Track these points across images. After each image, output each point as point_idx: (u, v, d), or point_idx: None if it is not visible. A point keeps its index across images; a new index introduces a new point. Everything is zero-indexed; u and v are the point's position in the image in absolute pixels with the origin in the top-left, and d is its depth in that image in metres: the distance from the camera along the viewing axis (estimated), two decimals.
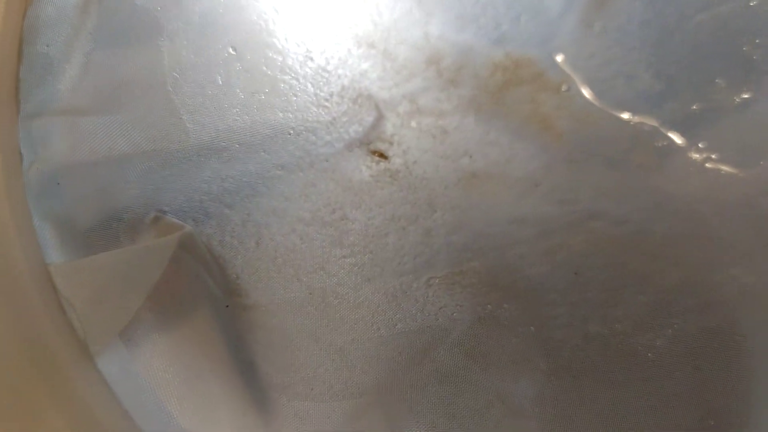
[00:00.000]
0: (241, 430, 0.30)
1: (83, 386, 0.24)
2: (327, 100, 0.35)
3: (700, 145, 0.34)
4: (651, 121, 0.34)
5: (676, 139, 0.34)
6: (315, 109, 0.34)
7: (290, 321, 0.32)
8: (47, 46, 0.30)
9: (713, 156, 0.33)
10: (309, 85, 0.34)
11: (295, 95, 0.34)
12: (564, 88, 0.35)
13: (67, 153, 0.30)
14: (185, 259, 0.30)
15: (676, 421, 0.31)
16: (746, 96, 0.33)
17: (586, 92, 0.35)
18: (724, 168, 0.33)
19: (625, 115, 0.34)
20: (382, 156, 0.35)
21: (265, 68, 0.34)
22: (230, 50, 0.33)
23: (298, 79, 0.34)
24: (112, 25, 0.32)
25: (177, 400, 0.29)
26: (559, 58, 0.35)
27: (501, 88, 0.36)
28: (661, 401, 0.32)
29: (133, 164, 0.31)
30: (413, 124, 0.35)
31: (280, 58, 0.34)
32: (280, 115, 0.33)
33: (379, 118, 0.35)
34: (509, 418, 0.32)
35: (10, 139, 0.25)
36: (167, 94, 0.32)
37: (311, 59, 0.35)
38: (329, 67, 0.35)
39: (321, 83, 0.34)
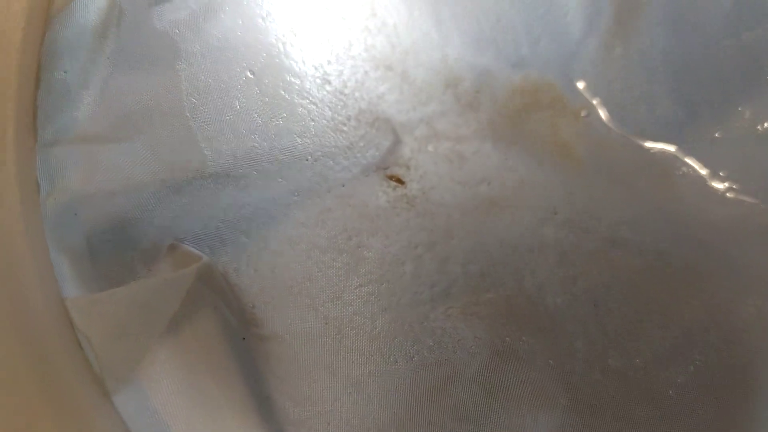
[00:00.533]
0: None
1: (99, 424, 0.24)
2: (344, 124, 0.34)
3: (721, 173, 0.33)
4: (672, 149, 0.34)
5: (698, 167, 0.33)
6: (332, 134, 0.34)
7: (306, 352, 0.32)
8: (65, 72, 0.30)
9: (735, 186, 0.33)
10: (327, 109, 0.34)
11: (313, 120, 0.33)
12: (584, 113, 0.34)
13: (85, 183, 0.29)
14: (203, 292, 0.29)
15: None
16: None
17: (606, 118, 0.34)
18: (746, 198, 0.33)
19: (646, 142, 0.34)
20: (399, 181, 0.34)
21: (283, 92, 0.33)
22: (248, 74, 0.33)
23: (315, 104, 0.34)
24: (131, 48, 0.31)
25: None
26: (579, 82, 0.34)
27: (519, 112, 0.35)
28: None
29: (150, 193, 0.31)
30: (430, 148, 0.35)
31: (298, 82, 0.33)
32: (298, 140, 0.33)
33: (396, 142, 0.34)
34: None
35: (27, 168, 0.25)
36: (185, 121, 0.32)
37: (329, 82, 0.34)
38: (347, 90, 0.34)
39: (338, 107, 0.34)
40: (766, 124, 0.33)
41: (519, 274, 0.33)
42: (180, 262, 0.30)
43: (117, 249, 0.30)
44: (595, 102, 0.34)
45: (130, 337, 0.25)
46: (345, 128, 0.34)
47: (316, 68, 0.34)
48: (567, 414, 0.32)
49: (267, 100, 0.33)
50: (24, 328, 0.23)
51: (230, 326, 0.31)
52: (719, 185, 0.33)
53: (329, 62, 0.34)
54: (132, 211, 0.30)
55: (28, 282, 0.23)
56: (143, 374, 0.28)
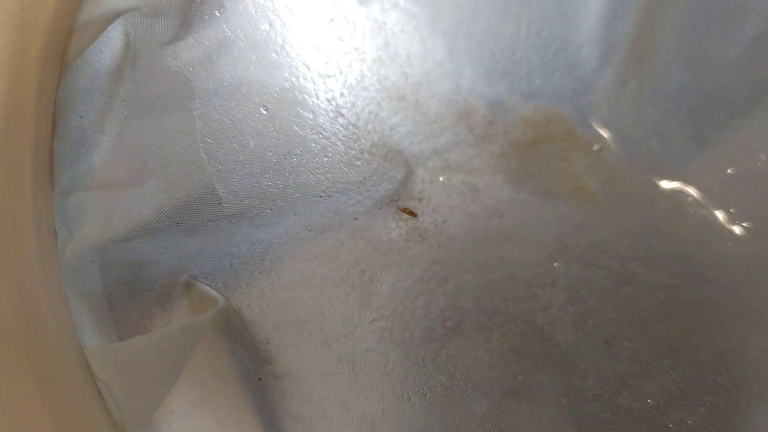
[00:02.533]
0: None
1: None
2: (357, 158, 0.34)
3: (732, 210, 0.33)
4: (684, 185, 0.34)
5: (710, 204, 0.33)
6: (346, 169, 0.34)
7: (321, 390, 0.32)
8: (80, 118, 0.30)
9: (747, 224, 0.33)
10: (340, 144, 0.34)
11: (327, 156, 0.33)
12: (596, 147, 0.34)
13: (101, 229, 0.29)
14: (220, 336, 0.30)
15: None
16: None
17: (619, 152, 0.34)
18: (757, 237, 0.33)
19: (659, 177, 0.34)
20: (412, 213, 0.34)
21: (296, 128, 0.33)
22: (262, 110, 0.33)
23: (329, 138, 0.34)
24: (145, 90, 0.31)
25: None
26: (592, 116, 0.34)
27: (531, 144, 0.35)
28: None
29: (165, 235, 0.31)
30: (442, 179, 0.35)
31: (312, 116, 0.33)
32: (312, 177, 0.33)
33: (409, 173, 0.35)
34: None
35: (45, 217, 0.25)
36: (200, 162, 0.32)
37: (342, 115, 0.34)
38: (360, 123, 0.34)
39: (351, 140, 0.34)
40: None
41: (531, 310, 0.33)
42: (196, 302, 0.30)
43: (134, 291, 0.30)
44: (607, 136, 0.34)
45: (148, 385, 0.25)
46: (358, 162, 0.34)
47: (329, 101, 0.34)
48: None
49: (281, 136, 0.33)
50: (45, 378, 0.23)
51: (246, 368, 0.31)
52: (731, 223, 0.33)
53: (342, 95, 0.34)
54: (148, 254, 0.30)
55: (48, 332, 0.23)
56: (163, 420, 0.28)
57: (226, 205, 0.32)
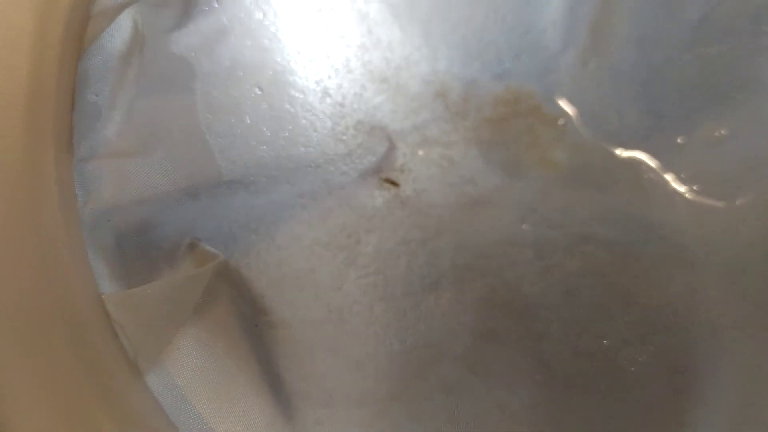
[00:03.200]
0: None
1: (134, 399, 0.28)
2: (344, 134, 0.38)
3: (683, 176, 0.37)
4: (639, 154, 0.37)
5: (663, 171, 0.37)
6: (333, 143, 0.38)
7: (311, 337, 0.36)
8: (96, 95, 0.34)
9: (695, 187, 0.37)
10: (328, 121, 0.38)
11: (316, 131, 0.37)
12: (561, 121, 0.38)
13: (115, 193, 0.33)
14: (220, 286, 0.33)
15: (654, 429, 0.35)
16: (724, 132, 0.36)
17: (581, 125, 0.38)
18: (706, 198, 0.36)
19: (617, 148, 0.37)
20: (394, 183, 0.38)
21: (288, 106, 0.37)
22: (257, 90, 0.37)
23: (317, 115, 0.37)
24: (152, 72, 0.35)
25: (216, 411, 0.33)
26: (557, 93, 0.38)
27: (502, 120, 0.39)
28: (642, 410, 0.35)
29: (171, 199, 0.35)
30: (421, 153, 0.38)
31: (302, 96, 0.37)
32: (303, 149, 0.37)
33: (391, 148, 0.38)
34: (506, 423, 0.36)
35: (66, 182, 0.29)
36: (201, 135, 0.35)
37: (329, 95, 0.38)
38: (346, 102, 0.38)
39: (338, 117, 0.38)
40: (723, 131, 0.36)
41: (501, 266, 0.37)
42: (199, 259, 0.34)
43: (143, 249, 0.34)
44: (570, 111, 0.38)
45: (158, 326, 0.29)
46: (344, 137, 0.38)
47: (317, 83, 0.38)
48: (541, 388, 0.36)
49: (274, 113, 0.37)
50: (68, 321, 0.27)
51: (245, 315, 0.35)
52: (682, 187, 0.37)
53: (329, 77, 0.38)
54: (156, 216, 0.34)
55: (70, 281, 0.27)
56: (170, 357, 0.32)
57: (225, 173, 0.35)
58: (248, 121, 0.36)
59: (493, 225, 0.38)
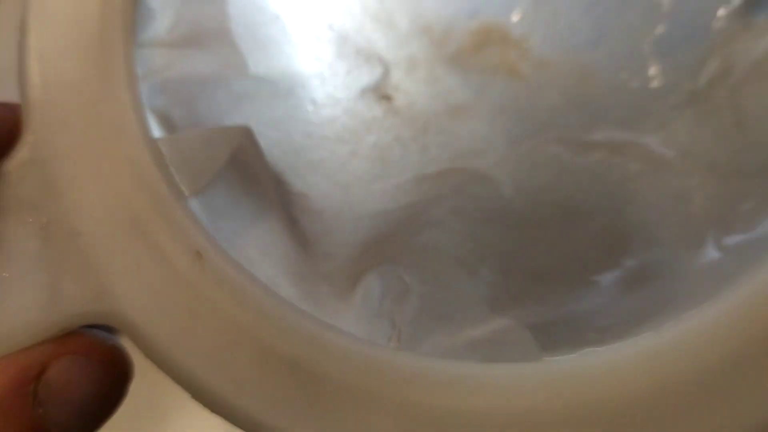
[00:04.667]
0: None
1: (177, 214, 0.35)
2: (345, 60, 0.47)
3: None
4: (591, 60, 0.45)
5: (612, 69, 0.45)
6: (337, 65, 0.47)
7: (321, 203, 0.43)
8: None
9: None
10: (332, 47, 0.47)
11: (324, 51, 0.46)
12: (525, 45, 0.47)
13: (165, 71, 0.42)
14: (249, 150, 0.41)
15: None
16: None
17: (542, 44, 0.46)
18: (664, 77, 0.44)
19: (572, 57, 0.45)
20: (388, 98, 0.47)
21: (302, 32, 0.47)
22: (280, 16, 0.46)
23: (323, 45, 0.47)
24: None
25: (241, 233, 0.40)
26: (521, 23, 0.47)
27: (478, 47, 0.48)
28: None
29: (206, 85, 0.44)
30: (411, 74, 0.47)
31: (312, 34, 0.47)
32: (313, 64, 0.46)
33: (385, 72, 0.47)
34: None
35: (129, 62, 0.38)
36: (231, 36, 0.45)
37: (333, 30, 0.47)
38: (348, 35, 0.47)
39: (341, 45, 0.47)
40: (657, 31, 0.44)
41: (478, 156, 0.45)
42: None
43: (186, 119, 0.43)
44: (533, 34, 0.47)
45: (200, 161, 0.37)
46: (346, 62, 0.47)
47: (325, 20, 0.47)
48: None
49: (290, 38, 0.46)
50: (130, 157, 0.36)
51: (268, 179, 0.43)
52: (633, 75, 0.44)
53: (333, 14, 0.47)
54: (196, 96, 0.43)
55: (132, 127, 0.36)
56: (201, 200, 0.39)
57: (252, 68, 0.44)
58: (272, 35, 0.45)
59: (471, 125, 0.46)
